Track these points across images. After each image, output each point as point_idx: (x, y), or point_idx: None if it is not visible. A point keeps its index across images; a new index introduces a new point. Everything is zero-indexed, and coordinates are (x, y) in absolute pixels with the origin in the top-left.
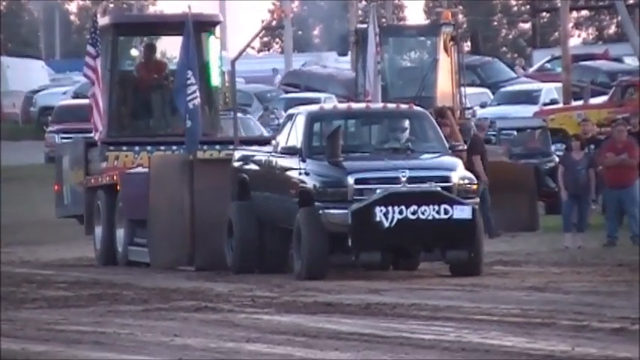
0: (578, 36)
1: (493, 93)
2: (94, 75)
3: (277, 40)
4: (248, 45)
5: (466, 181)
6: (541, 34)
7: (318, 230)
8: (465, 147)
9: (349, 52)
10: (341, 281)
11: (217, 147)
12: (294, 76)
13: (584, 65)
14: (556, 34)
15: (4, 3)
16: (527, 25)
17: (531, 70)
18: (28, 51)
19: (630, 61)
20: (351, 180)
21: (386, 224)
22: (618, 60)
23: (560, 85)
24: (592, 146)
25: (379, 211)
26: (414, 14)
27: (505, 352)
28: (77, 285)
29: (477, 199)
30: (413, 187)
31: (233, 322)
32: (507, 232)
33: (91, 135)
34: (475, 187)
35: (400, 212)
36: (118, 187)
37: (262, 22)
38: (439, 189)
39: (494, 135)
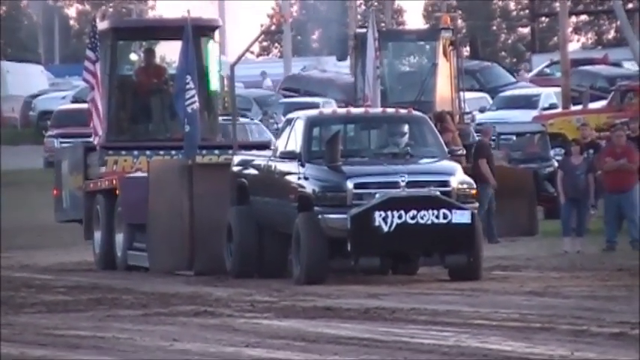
0: (578, 41)
1: (492, 98)
2: (94, 79)
3: (276, 44)
4: (247, 49)
5: (465, 186)
6: (540, 39)
7: (318, 235)
8: (464, 152)
9: (348, 57)
10: (340, 286)
11: (216, 152)
12: (294, 80)
13: (583, 70)
14: (555, 38)
15: (3, 8)
16: (526, 30)
17: (530, 74)
18: (27, 55)
19: (629, 66)
20: (350, 185)
21: (385, 229)
22: (617, 65)
23: (559, 89)
24: (591, 151)
25: (378, 216)
26: (413, 19)
27: (504, 357)
28: (76, 289)
29: (477, 204)
30: (412, 191)
31: (232, 326)
32: (507, 236)
33: (91, 139)
34: (474, 191)
35: (399, 217)
36: (117, 192)
37: (262, 26)
38: (438, 194)
39: (493, 140)
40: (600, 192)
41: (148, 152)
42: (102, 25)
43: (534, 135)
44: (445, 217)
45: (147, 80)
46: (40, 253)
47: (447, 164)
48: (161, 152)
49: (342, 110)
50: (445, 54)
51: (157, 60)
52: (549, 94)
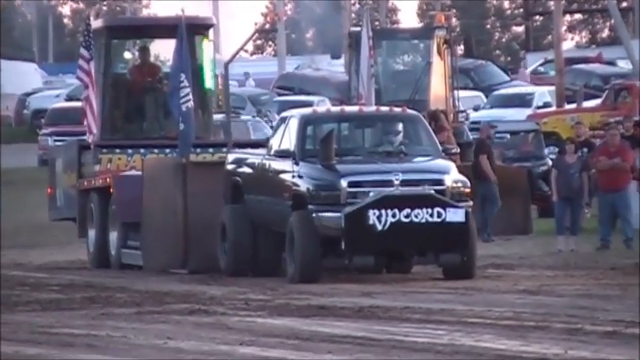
0: (572, 39)
1: (486, 96)
2: (88, 78)
3: (271, 43)
4: (241, 48)
5: (459, 185)
6: (534, 38)
7: (312, 233)
8: (459, 150)
9: (342, 55)
10: (334, 284)
11: (210, 150)
12: (288, 79)
13: (577, 68)
14: (549, 37)
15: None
16: (520, 29)
17: (519, 73)
18: (21, 54)
19: (623, 65)
20: (344, 183)
21: (379, 227)
22: (611, 63)
23: (553, 88)
24: (585, 150)
25: (372, 215)
26: (408, 17)
27: (498, 355)
28: (70, 288)
29: (471, 202)
30: (406, 190)
31: (226, 325)
32: (501, 235)
33: (85, 138)
34: (468, 190)
35: (393, 215)
36: (112, 190)
37: (256, 25)
38: (432, 192)
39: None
40: (594, 191)
41: (142, 150)
42: (96, 23)
43: (528, 134)
44: (439, 215)
45: (141, 79)
46: (34, 251)
47: (441, 163)
48: (155, 150)
49: (337, 109)
50: (439, 52)
51: (151, 58)
52: (543, 93)
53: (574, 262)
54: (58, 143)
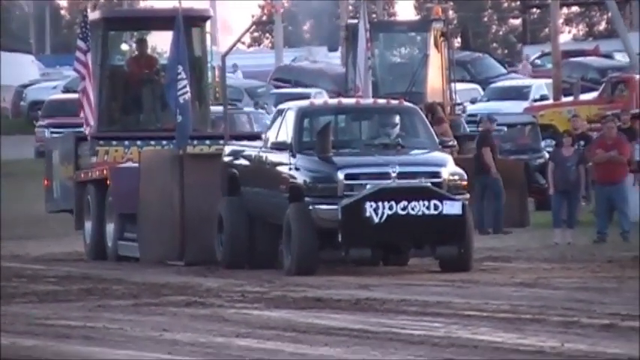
0: (569, 32)
1: (483, 89)
2: (85, 70)
3: (267, 35)
4: (238, 40)
5: (456, 177)
6: (531, 30)
7: (308, 226)
8: (455, 143)
9: (339, 48)
10: (331, 277)
11: (207, 142)
12: (285, 71)
13: (574, 61)
14: (546, 30)
15: None
16: (517, 21)
17: (520, 66)
18: (18, 45)
19: (620, 58)
20: (341, 175)
21: (376, 220)
22: (608, 56)
23: (550, 81)
24: (582, 142)
25: (369, 207)
26: (405, 10)
27: (495, 348)
28: (67, 280)
29: (467, 195)
30: (403, 182)
31: (223, 317)
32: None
33: (81, 129)
34: (465, 183)
35: (390, 208)
36: (108, 182)
37: (253, 17)
38: (429, 185)
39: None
40: (591, 184)
41: (139, 142)
42: (93, 15)
43: (525, 126)
44: (436, 208)
45: (138, 70)
46: (31, 243)
47: (438, 155)
48: (152, 142)
49: (334, 101)
50: (436, 45)
51: (148, 50)
52: (540, 86)
53: (571, 255)
54: (55, 135)
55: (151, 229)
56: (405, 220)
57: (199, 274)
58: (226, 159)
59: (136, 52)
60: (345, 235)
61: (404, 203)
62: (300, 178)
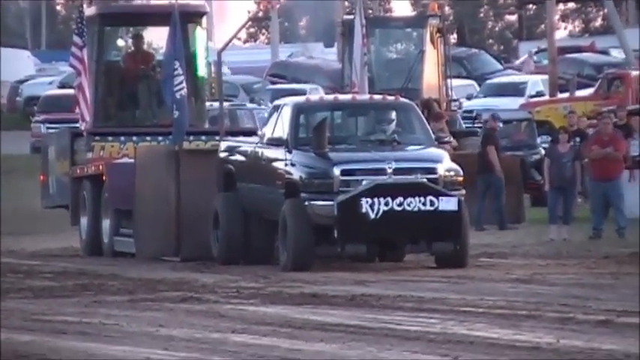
0: (565, 28)
1: (479, 85)
2: (81, 65)
3: (264, 31)
4: (234, 36)
5: (452, 173)
6: (527, 27)
7: (304, 221)
8: (451, 139)
9: (336, 44)
10: (326, 273)
11: (203, 138)
12: (281, 67)
13: (570, 58)
14: (542, 26)
15: None
16: (513, 17)
17: (517, 62)
18: (14, 41)
19: (616, 54)
20: (337, 171)
21: (372, 216)
22: (604, 52)
23: (546, 77)
24: (578, 139)
25: (365, 203)
26: (401, 6)
27: (490, 344)
28: (63, 275)
29: (463, 191)
30: (399, 178)
31: (219, 312)
32: (493, 224)
33: (77, 125)
34: (461, 179)
35: (386, 204)
36: (104, 178)
37: (249, 13)
38: (425, 181)
39: (480, 127)
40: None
41: (134, 138)
42: (89, 10)
43: (521, 122)
44: (432, 204)
45: (134, 66)
46: (26, 238)
47: (434, 151)
48: (148, 138)
49: (330, 97)
50: (432, 41)
51: (144, 46)
52: (536, 82)
53: (566, 251)
54: (50, 130)
55: (146, 225)
56: (400, 216)
57: (195, 269)
58: (222, 155)
59: (132, 48)
60: (341, 230)
61: (400, 199)
62: (296, 173)
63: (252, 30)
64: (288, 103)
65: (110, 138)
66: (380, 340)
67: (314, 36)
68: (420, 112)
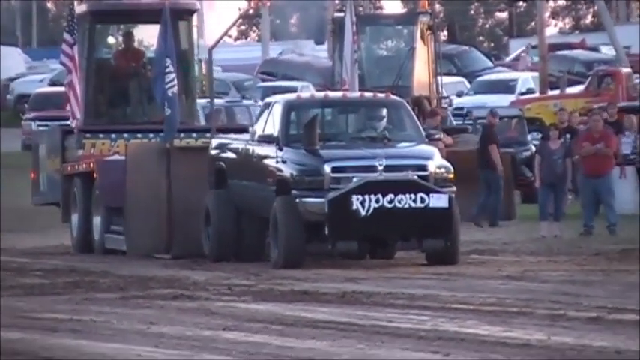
0: (555, 25)
1: (470, 82)
2: (71, 63)
3: (254, 28)
4: (225, 33)
5: (443, 170)
6: (518, 24)
7: (295, 219)
8: (443, 136)
9: (326, 41)
10: (317, 270)
11: (194, 135)
12: (271, 64)
13: (560, 55)
14: (533, 23)
15: None
16: (504, 15)
17: (507, 59)
18: (4, 39)
19: (607, 51)
20: (328, 168)
21: (363, 213)
22: (595, 49)
23: (536, 74)
24: (568, 136)
25: (356, 200)
26: (391, 3)
27: (481, 341)
28: (54, 272)
29: (454, 188)
30: (390, 175)
31: (210, 310)
32: (484, 221)
33: (68, 123)
34: (452, 176)
35: (377, 201)
36: (95, 175)
37: (240, 10)
38: (416, 178)
39: (470, 124)
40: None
41: (125, 135)
42: (80, 8)
43: (512, 119)
44: (422, 201)
45: (125, 64)
46: (17, 236)
47: (424, 148)
48: (139, 135)
49: (320, 94)
50: (423, 38)
51: (135, 43)
52: (527, 79)
53: (557, 248)
54: (41, 128)
55: (138, 222)
56: (391, 213)
57: (186, 267)
58: (213, 152)
59: (123, 46)
60: (332, 228)
61: (391, 196)
62: (287, 171)
63: (243, 27)
64: (278, 100)
65: (101, 135)
66: (371, 337)
67: (305, 33)
68: (410, 110)
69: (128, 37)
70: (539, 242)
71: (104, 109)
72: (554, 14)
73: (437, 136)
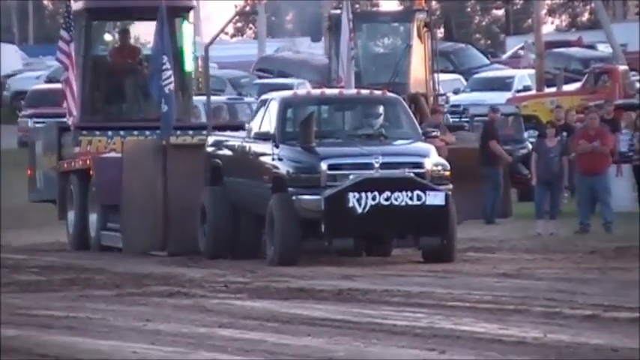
0: (552, 23)
1: (466, 79)
2: (68, 60)
3: (251, 25)
4: (222, 30)
5: (439, 168)
6: (514, 21)
7: (291, 216)
8: (445, 134)
9: (323, 38)
10: (313, 267)
11: (190, 132)
12: (268, 61)
13: (557, 52)
14: (529, 20)
15: None
16: (500, 12)
17: (504, 56)
18: (1, 35)
19: (603, 48)
20: (324, 166)
21: (359, 210)
22: (591, 47)
23: (533, 71)
24: (565, 133)
25: (352, 197)
26: (388, 1)
27: (477, 339)
28: (49, 270)
29: (450, 186)
30: (386, 173)
31: (205, 307)
32: (480, 218)
33: (65, 119)
34: (448, 173)
35: (373, 198)
36: (91, 172)
37: (236, 7)
38: (412, 175)
39: (467, 121)
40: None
41: (122, 132)
42: (76, 5)
43: (508, 117)
44: (419, 198)
45: (121, 61)
46: (13, 233)
47: (421, 146)
48: (135, 132)
49: (317, 91)
50: (419, 36)
51: (132, 40)
52: (523, 76)
53: (553, 246)
54: (38, 125)
55: (133, 220)
56: (388, 211)
57: (182, 264)
58: (209, 149)
59: (119, 43)
60: (328, 225)
61: (387, 194)
62: (283, 168)
63: (239, 24)
64: (275, 97)
65: (97, 132)
66: (367, 335)
67: (301, 30)
68: (407, 107)
69: (124, 34)
70: (535, 240)
71: (100, 106)
72: (551, 11)
73: (434, 134)
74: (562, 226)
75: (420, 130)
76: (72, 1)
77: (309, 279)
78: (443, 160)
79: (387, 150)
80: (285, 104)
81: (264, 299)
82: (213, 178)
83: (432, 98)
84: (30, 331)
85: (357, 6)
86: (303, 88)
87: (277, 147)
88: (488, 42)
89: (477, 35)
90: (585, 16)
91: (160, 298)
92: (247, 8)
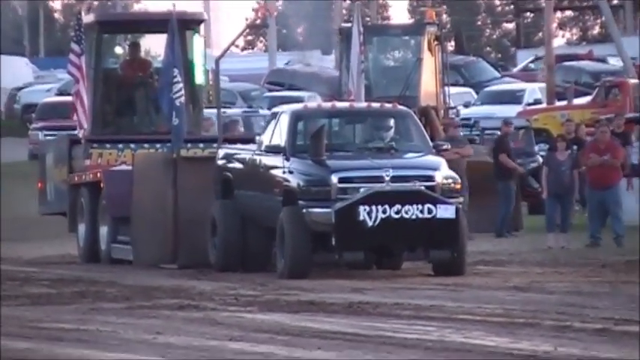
0: (562, 36)
1: (477, 93)
2: (79, 73)
3: (261, 38)
4: (232, 43)
5: (450, 181)
6: (525, 34)
7: (302, 229)
8: (449, 147)
9: (333, 51)
10: (324, 280)
11: (201, 145)
12: (278, 74)
13: (567, 65)
14: (540, 34)
15: None
16: (511, 25)
17: (515, 70)
18: (12, 48)
19: (614, 62)
20: (334, 179)
21: (369, 223)
22: (602, 60)
23: (543, 85)
24: (575, 147)
25: (363, 210)
26: (399, 14)
27: (488, 352)
28: (60, 282)
29: (461, 199)
30: (397, 186)
31: (216, 320)
32: (491, 232)
33: (75, 132)
34: (459, 186)
35: (384, 211)
36: (102, 185)
37: (247, 20)
38: (423, 188)
39: (477, 135)
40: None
41: (132, 145)
42: (87, 18)
43: (519, 130)
44: (429, 211)
45: (132, 74)
46: (23, 245)
47: (431, 159)
48: (146, 145)
49: (327, 104)
50: (430, 49)
51: (142, 53)
52: (534, 90)
53: (564, 259)
54: (48, 138)
55: (144, 232)
56: (398, 224)
57: (192, 277)
58: (220, 162)
59: (130, 56)
60: (339, 238)
61: (397, 207)
62: (294, 181)
63: (249, 37)
64: (285, 110)
65: (108, 145)
66: (377, 348)
67: (311, 43)
68: (417, 120)
69: (135, 47)
70: (546, 253)
71: (111, 119)
72: (562, 25)
73: (444, 147)
74: (573, 239)
75: (431, 143)
76: (83, 14)
77: (319, 292)
78: (453, 173)
79: (398, 163)
80: (295, 117)
81: (274, 312)
82: (224, 191)
83: (442, 111)
84: (40, 344)
85: (368, 19)
86: (314, 101)
87: (288, 160)
88: (499, 55)
89: (488, 48)
90: (596, 30)
91: (170, 310)
92: (258, 21)
